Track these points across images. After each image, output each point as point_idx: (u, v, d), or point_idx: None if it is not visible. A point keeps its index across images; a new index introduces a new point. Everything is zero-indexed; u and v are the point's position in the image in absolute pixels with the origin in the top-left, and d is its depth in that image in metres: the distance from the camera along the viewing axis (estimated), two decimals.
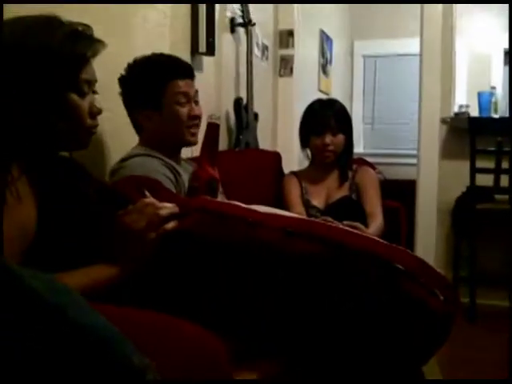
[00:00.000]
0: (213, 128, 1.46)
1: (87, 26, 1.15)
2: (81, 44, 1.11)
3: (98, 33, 1.20)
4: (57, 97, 1.08)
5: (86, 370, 0.59)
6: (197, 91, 1.82)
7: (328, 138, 2.32)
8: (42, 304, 0.60)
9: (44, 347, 0.59)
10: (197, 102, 1.81)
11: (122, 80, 1.76)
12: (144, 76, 1.73)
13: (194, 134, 1.78)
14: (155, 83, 1.72)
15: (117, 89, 1.79)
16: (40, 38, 1.06)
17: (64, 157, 1.23)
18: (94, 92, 1.21)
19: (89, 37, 1.14)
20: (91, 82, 1.18)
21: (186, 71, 1.79)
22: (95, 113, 1.20)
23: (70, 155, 1.25)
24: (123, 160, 1.69)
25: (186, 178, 1.72)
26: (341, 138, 2.36)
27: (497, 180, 3.07)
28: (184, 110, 1.73)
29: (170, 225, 1.13)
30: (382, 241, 1.09)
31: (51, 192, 1.05)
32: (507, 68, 4.25)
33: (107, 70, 1.71)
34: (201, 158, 1.48)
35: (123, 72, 1.75)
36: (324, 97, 2.79)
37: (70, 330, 0.60)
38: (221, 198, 1.89)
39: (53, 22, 1.10)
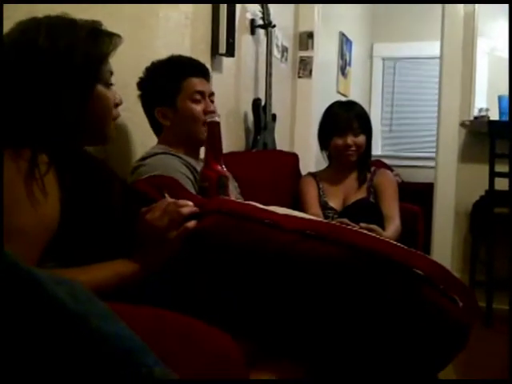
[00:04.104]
0: (213, 126, 1.47)
1: (100, 23, 1.20)
2: (102, 40, 1.17)
3: (119, 33, 1.22)
4: (86, 89, 1.14)
5: (107, 379, 0.59)
6: (213, 93, 1.83)
7: (350, 139, 2.33)
8: (65, 312, 0.59)
9: (66, 356, 0.58)
10: (212, 102, 1.82)
11: (140, 83, 1.79)
12: (160, 74, 1.77)
13: None
14: (171, 80, 1.76)
15: (137, 89, 1.81)
16: (66, 40, 1.11)
17: (87, 152, 1.25)
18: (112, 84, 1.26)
19: (108, 33, 1.19)
20: (112, 73, 1.23)
21: (200, 70, 1.83)
22: (118, 103, 1.26)
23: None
24: (143, 158, 1.70)
25: None
26: (362, 138, 2.36)
27: None
28: (198, 107, 1.76)
29: (191, 224, 1.14)
30: (400, 245, 1.09)
31: (75, 186, 1.07)
32: None
33: (128, 70, 1.74)
34: (206, 157, 1.48)
35: (141, 75, 1.78)
36: (343, 98, 2.79)
37: (92, 339, 0.60)
38: (237, 196, 1.90)
39: (72, 23, 1.15)
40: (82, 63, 1.12)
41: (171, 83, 1.76)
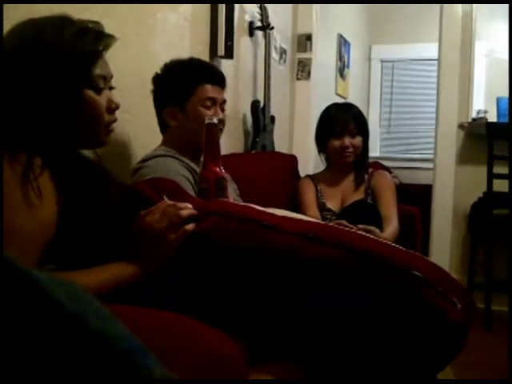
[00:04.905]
0: (211, 128, 1.47)
1: (97, 23, 1.17)
2: (90, 40, 1.12)
3: (117, 35, 1.20)
4: (72, 92, 1.10)
5: (106, 381, 0.59)
6: (225, 101, 1.84)
7: (347, 141, 2.33)
8: (64, 313, 0.59)
9: (65, 357, 0.58)
10: (223, 110, 1.83)
11: (156, 78, 1.80)
12: (177, 75, 1.78)
13: None
14: (186, 82, 1.77)
15: (137, 91, 1.81)
16: (50, 37, 1.08)
17: (84, 155, 1.24)
18: (111, 88, 1.22)
19: (98, 32, 1.15)
20: (106, 78, 1.18)
21: (217, 78, 1.84)
22: (113, 108, 1.21)
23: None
24: (144, 160, 1.71)
25: None
26: (359, 140, 2.36)
27: None
28: (208, 113, 1.76)
29: (190, 226, 1.14)
30: (398, 247, 1.09)
31: (72, 188, 1.06)
32: None
33: (127, 72, 1.74)
34: (205, 159, 1.48)
35: (158, 71, 1.80)
36: (341, 100, 2.79)
37: (91, 340, 0.59)
38: (236, 198, 1.90)
39: (63, 21, 1.13)
40: (66, 63, 1.08)
41: (186, 86, 1.77)
